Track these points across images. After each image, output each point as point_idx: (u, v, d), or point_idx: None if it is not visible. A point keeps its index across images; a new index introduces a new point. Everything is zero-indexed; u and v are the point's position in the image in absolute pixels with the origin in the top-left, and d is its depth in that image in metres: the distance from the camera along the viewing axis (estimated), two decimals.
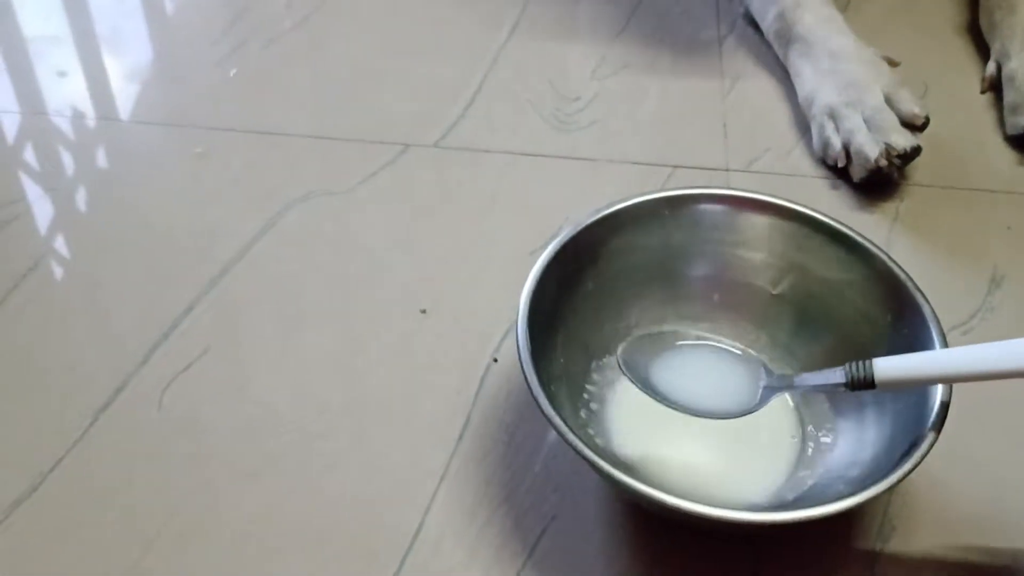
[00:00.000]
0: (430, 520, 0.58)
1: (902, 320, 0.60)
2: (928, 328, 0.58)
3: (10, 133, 0.85)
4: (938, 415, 0.54)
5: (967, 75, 0.88)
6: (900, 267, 0.61)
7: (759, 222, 0.64)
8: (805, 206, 0.63)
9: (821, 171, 0.80)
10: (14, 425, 0.63)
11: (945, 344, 0.57)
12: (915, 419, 0.55)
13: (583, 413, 0.61)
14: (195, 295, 0.70)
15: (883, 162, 0.76)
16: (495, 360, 0.67)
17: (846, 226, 0.63)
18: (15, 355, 0.67)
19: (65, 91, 0.89)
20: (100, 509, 0.59)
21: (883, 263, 0.61)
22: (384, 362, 0.67)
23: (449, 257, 0.73)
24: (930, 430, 0.53)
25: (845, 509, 0.51)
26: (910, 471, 0.52)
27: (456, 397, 0.65)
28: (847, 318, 0.62)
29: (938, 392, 0.55)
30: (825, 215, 0.63)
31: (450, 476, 0.61)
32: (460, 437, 0.63)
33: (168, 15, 0.98)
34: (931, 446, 0.53)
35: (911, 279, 0.60)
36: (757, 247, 0.65)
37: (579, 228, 0.63)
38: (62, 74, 0.90)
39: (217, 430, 0.63)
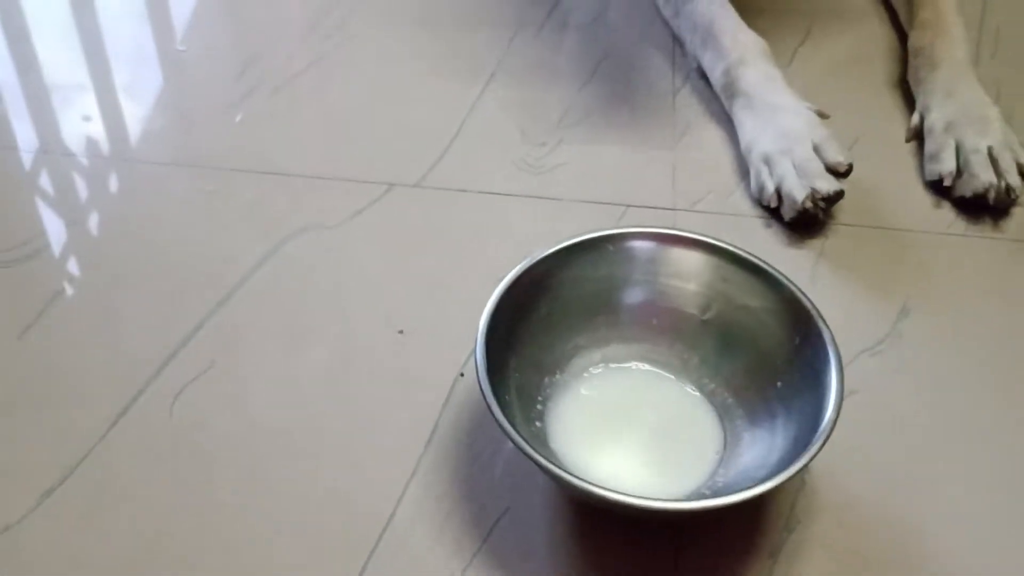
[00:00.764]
0: (400, 511, 0.68)
1: (807, 342, 0.70)
2: (827, 350, 0.68)
3: (36, 171, 0.95)
4: (830, 418, 0.64)
5: (896, 125, 0.98)
6: (807, 297, 0.71)
7: (690, 257, 0.75)
8: (729, 243, 0.74)
9: (757, 211, 0.90)
10: (44, 427, 0.73)
11: (839, 363, 0.67)
12: (813, 423, 0.65)
13: (536, 423, 0.71)
14: (203, 316, 0.81)
15: (809, 204, 0.86)
16: (462, 375, 0.77)
17: (763, 261, 0.73)
18: (44, 369, 0.77)
19: (88, 133, 0.99)
20: (117, 501, 0.69)
21: (792, 293, 0.71)
22: (366, 375, 0.77)
23: (426, 284, 0.83)
24: (822, 432, 0.63)
25: (745, 499, 0.61)
26: (802, 467, 0.62)
27: (427, 407, 0.75)
28: (764, 340, 0.72)
29: (832, 397, 0.65)
30: (746, 251, 0.73)
31: (419, 474, 0.71)
32: (429, 441, 0.73)
33: (183, 65, 1.09)
34: (823, 443, 0.63)
35: (815, 308, 0.70)
36: (688, 279, 0.75)
37: (533, 261, 0.73)
38: (86, 119, 1.01)
39: (219, 434, 0.73)
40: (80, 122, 1.01)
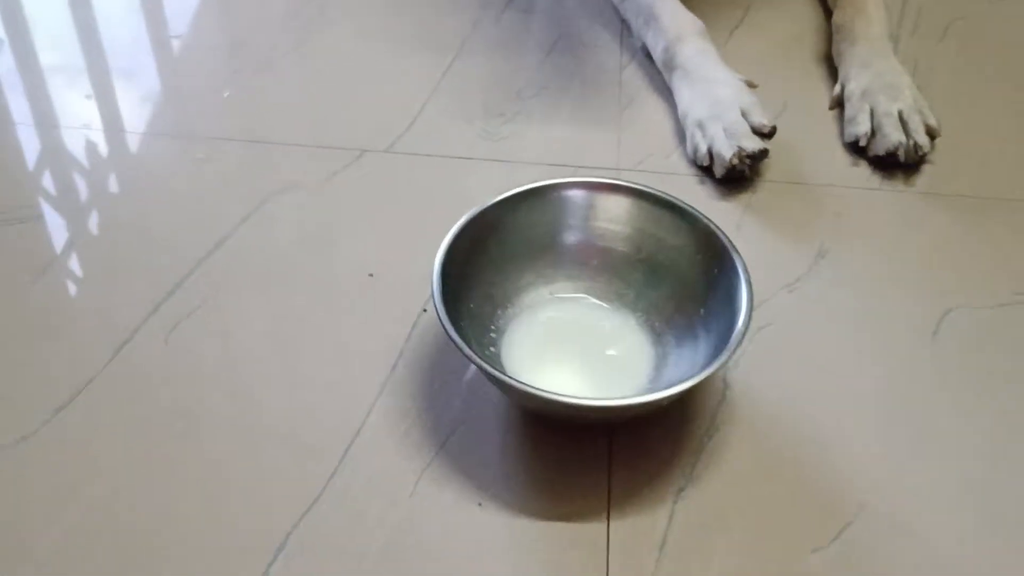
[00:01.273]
0: (369, 422, 0.78)
1: (723, 273, 0.80)
2: (739, 277, 0.78)
3: (43, 143, 1.05)
4: (739, 331, 0.74)
5: (821, 95, 1.09)
6: (723, 233, 0.81)
7: (622, 202, 0.85)
8: (654, 188, 0.84)
9: (692, 170, 1.00)
10: (57, 354, 0.83)
11: (750, 287, 0.77)
12: (728, 339, 0.75)
13: (491, 348, 0.81)
14: (193, 264, 0.91)
15: (736, 161, 0.96)
16: (424, 310, 0.87)
17: (685, 203, 0.83)
18: (55, 308, 0.87)
19: (91, 109, 1.09)
20: (119, 417, 0.78)
21: (711, 230, 0.81)
22: (340, 312, 0.87)
23: (392, 234, 0.93)
24: (732, 342, 0.73)
25: (665, 397, 0.71)
26: (714, 371, 0.72)
27: (394, 338, 0.84)
28: (687, 273, 0.82)
29: (742, 315, 0.75)
30: (669, 195, 0.84)
31: (385, 394, 0.80)
32: (394, 366, 0.82)
33: (175, 50, 1.19)
34: (732, 352, 0.73)
35: (730, 242, 0.80)
36: (621, 222, 0.85)
37: (482, 208, 0.83)
38: (88, 96, 1.11)
39: (209, 361, 0.83)
40: (81, 100, 1.11)
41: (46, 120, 1.08)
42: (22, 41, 1.20)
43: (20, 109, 1.10)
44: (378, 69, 1.13)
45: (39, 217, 0.96)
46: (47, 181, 1.01)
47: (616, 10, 1.18)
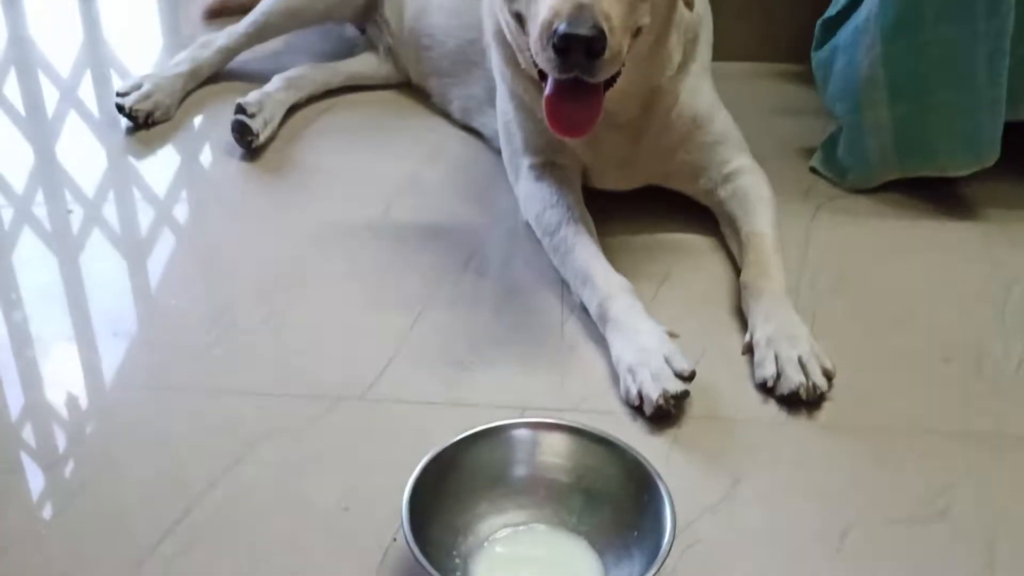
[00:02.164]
0: None
1: (652, 499, 0.94)
2: (665, 504, 0.93)
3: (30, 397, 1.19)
4: (664, 551, 0.87)
5: (734, 342, 1.26)
6: (651, 465, 0.96)
7: (562, 439, 1.00)
8: (589, 426, 0.99)
9: (625, 409, 1.16)
10: None
11: (673, 511, 0.91)
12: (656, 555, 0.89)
13: (457, 573, 0.93)
14: (180, 513, 1.03)
15: (662, 402, 1.12)
16: (394, 539, 0.99)
17: (616, 438, 0.99)
18: (65, 552, 0.98)
19: (72, 362, 1.24)
20: None
21: (639, 462, 0.96)
22: (317, 542, 0.99)
23: (366, 473, 1.07)
24: (658, 561, 0.87)
25: None
26: None
27: (367, 565, 0.97)
28: (622, 499, 0.97)
29: (666, 537, 0.88)
30: (602, 432, 0.99)
31: None
32: None
33: (158, 308, 1.35)
34: (657, 569, 0.86)
35: (656, 472, 0.95)
36: (564, 456, 1.00)
37: (442, 448, 0.98)
38: (71, 349, 1.26)
39: None
40: (64, 354, 1.25)
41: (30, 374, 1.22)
42: (8, 298, 1.36)
43: (6, 365, 1.24)
44: (350, 325, 1.30)
45: (51, 467, 1.08)
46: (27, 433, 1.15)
47: (557, 271, 1.36)
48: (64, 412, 1.18)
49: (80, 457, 1.12)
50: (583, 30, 1.11)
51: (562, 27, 1.12)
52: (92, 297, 1.38)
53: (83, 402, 1.20)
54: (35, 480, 1.09)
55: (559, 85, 1.19)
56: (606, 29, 1.12)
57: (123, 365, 1.25)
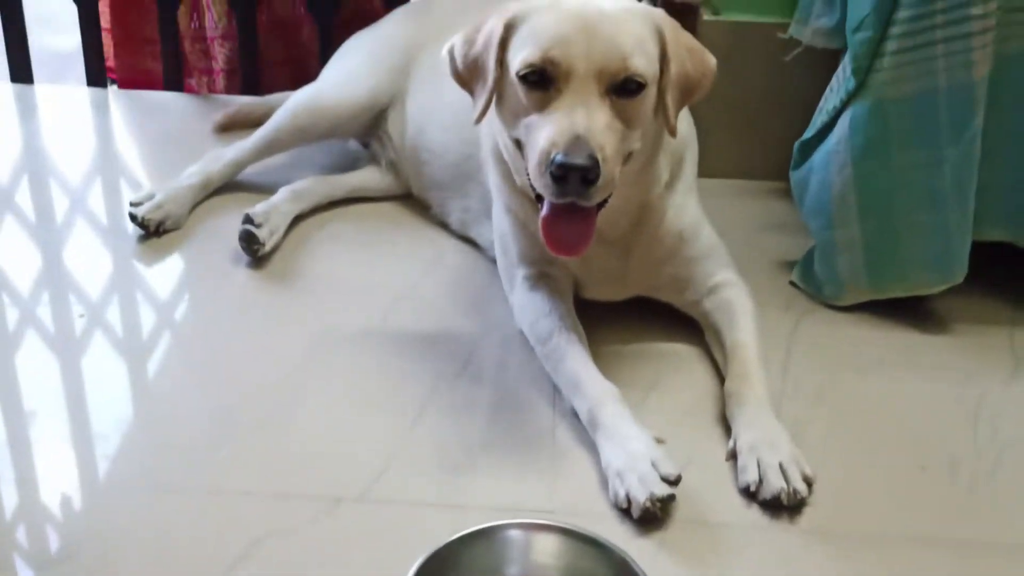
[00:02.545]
0: None
1: None
2: None
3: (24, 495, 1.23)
4: None
5: (719, 448, 1.32)
6: (637, 564, 1.00)
7: (553, 540, 1.05)
8: (579, 527, 1.04)
9: (614, 512, 1.20)
10: None
11: None
12: None
13: None
14: None
15: (648, 504, 1.17)
16: None
17: (604, 538, 1.04)
18: None
19: (68, 461, 1.28)
20: None
21: (626, 562, 1.01)
22: None
23: (366, 570, 1.11)
24: None
25: None
26: None
27: None
28: None
29: None
30: (591, 532, 1.04)
31: None
32: None
33: (158, 407, 1.40)
34: None
35: (643, 572, 0.99)
36: (556, 556, 1.05)
37: (440, 546, 1.02)
38: (66, 450, 1.30)
39: None
40: (60, 452, 1.30)
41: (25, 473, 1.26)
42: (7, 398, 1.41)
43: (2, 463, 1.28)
44: (349, 428, 1.35)
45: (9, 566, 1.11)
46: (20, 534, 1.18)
47: (550, 378, 1.42)
48: (59, 513, 1.22)
49: (75, 558, 1.15)
50: (579, 160, 1.21)
51: (559, 157, 1.21)
52: (92, 399, 1.42)
53: (78, 502, 1.24)
54: None
55: (555, 207, 1.28)
56: (600, 158, 1.22)
57: (121, 465, 1.29)
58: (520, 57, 1.30)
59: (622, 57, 1.27)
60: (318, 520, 1.19)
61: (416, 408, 1.38)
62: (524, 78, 1.29)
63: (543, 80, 1.28)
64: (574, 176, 1.21)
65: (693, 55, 1.36)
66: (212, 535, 1.17)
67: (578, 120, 1.24)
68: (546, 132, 1.24)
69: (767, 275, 1.69)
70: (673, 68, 1.32)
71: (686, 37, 1.37)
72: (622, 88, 1.28)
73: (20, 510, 1.22)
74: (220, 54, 2.28)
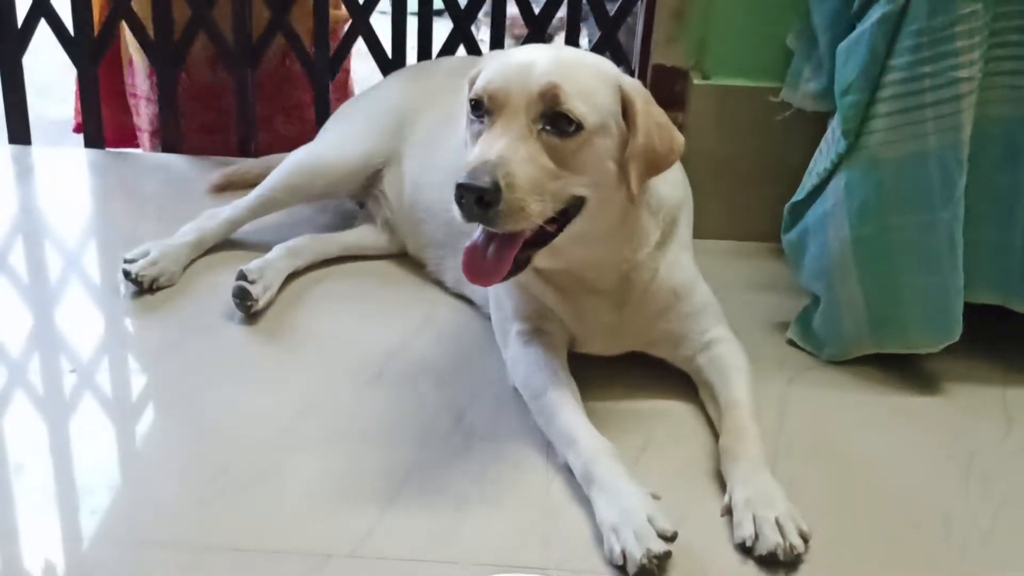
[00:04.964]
0: None
1: None
2: None
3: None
4: None
5: (714, 504, 1.31)
6: None
7: None
8: None
9: (610, 568, 1.19)
10: None
11: None
12: None
13: None
14: None
15: (645, 561, 1.16)
16: None
17: None
18: None
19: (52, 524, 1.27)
20: None
21: None
22: None
23: None
24: None
25: None
26: None
27: None
28: None
29: None
30: None
31: None
32: None
33: (146, 463, 1.39)
34: None
35: None
36: None
37: None
38: (48, 509, 1.29)
39: None
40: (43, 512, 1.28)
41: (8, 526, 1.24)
42: None
43: None
44: (340, 484, 1.33)
45: None
46: None
47: (543, 433, 1.42)
48: (42, 568, 1.20)
49: None
50: (477, 182, 1.25)
51: (461, 178, 1.26)
52: (80, 454, 1.40)
53: (61, 560, 1.21)
54: None
55: (482, 236, 1.33)
56: (503, 184, 1.25)
57: (106, 520, 1.27)
58: (470, 92, 1.36)
59: (554, 92, 1.29)
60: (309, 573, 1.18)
61: (408, 464, 1.37)
62: (471, 112, 1.36)
63: (483, 113, 1.33)
64: (468, 197, 1.25)
65: (662, 131, 1.39)
66: None
67: (495, 147, 1.28)
68: (467, 158, 1.30)
69: (759, 334, 1.70)
70: (640, 138, 1.35)
71: (657, 111, 1.40)
72: (555, 125, 1.30)
73: (3, 565, 1.20)
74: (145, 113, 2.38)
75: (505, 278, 1.33)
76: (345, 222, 1.99)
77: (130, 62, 2.39)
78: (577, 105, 1.30)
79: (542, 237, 1.34)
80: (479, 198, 1.24)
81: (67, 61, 2.31)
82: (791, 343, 1.69)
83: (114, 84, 2.42)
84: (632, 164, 1.35)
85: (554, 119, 1.30)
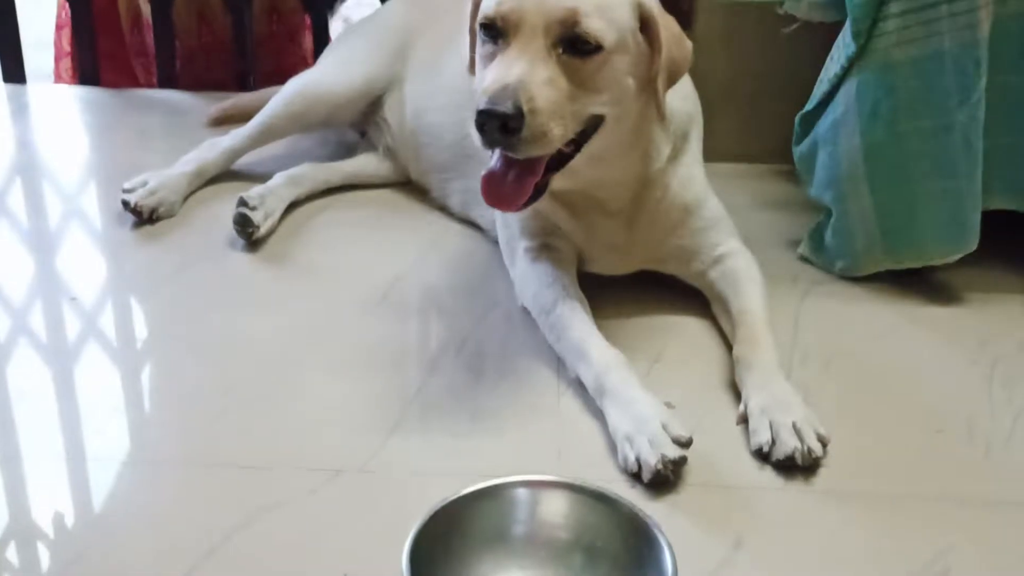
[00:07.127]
0: None
1: (651, 551, 0.95)
2: (665, 553, 0.93)
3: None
4: None
5: (730, 412, 1.28)
6: (650, 518, 0.97)
7: (561, 496, 1.01)
8: (587, 482, 1.00)
9: (624, 476, 1.17)
10: None
11: (674, 561, 0.92)
12: None
13: None
14: (188, 569, 1.03)
15: (660, 467, 1.14)
16: None
17: (613, 492, 1.00)
18: None
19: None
20: None
21: (637, 516, 0.98)
22: None
23: (367, 541, 1.07)
24: None
25: None
26: None
27: None
28: (622, 554, 0.97)
29: None
30: (600, 487, 1.00)
31: None
32: None
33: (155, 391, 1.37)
34: None
35: (656, 524, 0.96)
36: (563, 514, 1.01)
37: (443, 503, 0.99)
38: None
39: None
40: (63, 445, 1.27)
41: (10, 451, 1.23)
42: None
43: None
44: (349, 401, 1.31)
45: None
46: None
47: (553, 350, 1.39)
48: (49, 485, 1.19)
49: (64, 528, 1.12)
50: (500, 107, 1.19)
51: (482, 103, 1.20)
52: (82, 380, 1.38)
53: (65, 478, 1.20)
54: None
55: (500, 162, 1.28)
56: (525, 109, 1.20)
57: (112, 440, 1.25)
58: (480, 14, 1.30)
59: (573, 12, 1.24)
60: (318, 491, 1.16)
61: (418, 381, 1.35)
62: (483, 34, 1.30)
63: (497, 35, 1.27)
64: (491, 124, 1.20)
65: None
66: (208, 506, 1.13)
67: (513, 71, 1.22)
68: (484, 83, 1.24)
69: (771, 252, 1.65)
70: (664, 53, 1.31)
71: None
72: (573, 47, 1.25)
73: (6, 487, 1.19)
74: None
75: (526, 204, 1.28)
76: (347, 154, 1.94)
77: None
78: (596, 25, 1.25)
79: (559, 159, 1.30)
80: (503, 124, 1.20)
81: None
82: (803, 259, 1.65)
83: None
84: (660, 79, 1.32)
85: (572, 40, 1.25)
